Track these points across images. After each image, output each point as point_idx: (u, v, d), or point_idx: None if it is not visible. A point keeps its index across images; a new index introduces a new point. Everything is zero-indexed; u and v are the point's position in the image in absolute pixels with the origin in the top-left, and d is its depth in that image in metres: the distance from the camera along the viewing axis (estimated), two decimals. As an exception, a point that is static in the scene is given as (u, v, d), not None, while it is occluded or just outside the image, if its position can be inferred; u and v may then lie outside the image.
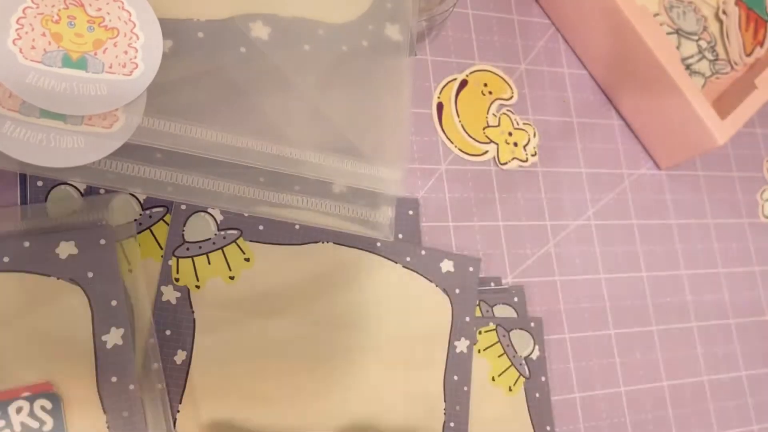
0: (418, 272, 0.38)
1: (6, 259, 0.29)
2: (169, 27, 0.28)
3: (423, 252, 0.38)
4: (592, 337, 0.43)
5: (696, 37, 0.49)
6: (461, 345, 0.38)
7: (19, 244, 0.29)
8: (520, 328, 0.40)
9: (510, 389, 0.39)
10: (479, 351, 0.39)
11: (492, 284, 0.41)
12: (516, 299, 0.41)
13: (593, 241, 0.45)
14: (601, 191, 0.47)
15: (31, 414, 0.28)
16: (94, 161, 0.26)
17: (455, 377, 0.37)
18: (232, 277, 0.34)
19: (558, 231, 0.44)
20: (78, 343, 0.30)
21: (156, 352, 0.31)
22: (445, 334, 0.38)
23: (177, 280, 0.33)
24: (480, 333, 0.39)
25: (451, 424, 0.36)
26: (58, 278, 0.30)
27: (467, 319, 0.38)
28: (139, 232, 0.33)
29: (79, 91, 0.26)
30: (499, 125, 0.44)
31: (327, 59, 0.32)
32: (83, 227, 0.30)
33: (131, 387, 0.30)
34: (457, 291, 0.38)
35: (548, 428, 0.39)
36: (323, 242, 0.36)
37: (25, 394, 0.29)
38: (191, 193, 0.30)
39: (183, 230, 0.34)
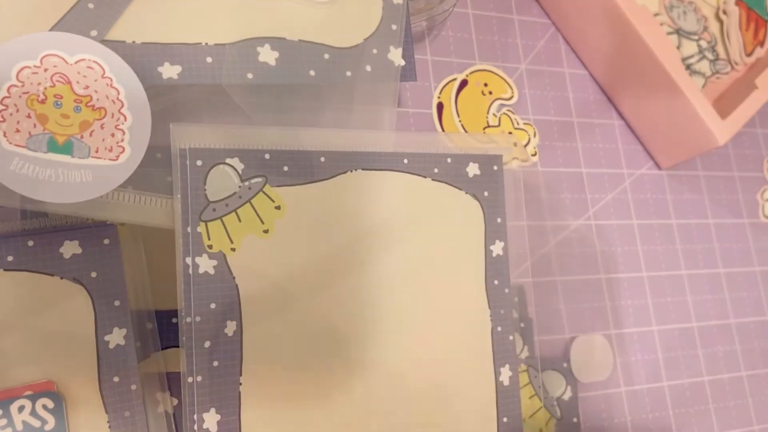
0: (446, 182, 0.36)
1: (10, 258, 0.29)
2: (179, 52, 0.28)
3: (449, 160, 0.35)
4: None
5: (696, 37, 0.49)
6: (497, 248, 0.36)
7: (23, 242, 0.29)
8: (553, 369, 0.40)
9: (541, 431, 0.38)
10: None
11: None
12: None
13: (593, 241, 0.45)
14: (601, 191, 0.47)
15: (33, 413, 0.28)
16: (102, 194, 0.26)
17: (495, 281, 0.36)
18: (266, 231, 0.31)
19: (558, 231, 0.44)
20: (80, 342, 0.30)
21: (156, 340, 0.31)
22: (480, 240, 0.36)
23: (210, 247, 0.29)
24: None
25: (498, 329, 0.35)
26: (61, 277, 0.30)
27: (498, 220, 0.37)
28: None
29: (64, 178, 0.25)
30: (499, 125, 0.44)
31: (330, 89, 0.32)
32: (87, 226, 0.30)
33: (133, 387, 0.30)
34: (486, 194, 0.36)
35: None
36: (351, 171, 0.33)
37: (27, 393, 0.29)
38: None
39: (205, 190, 0.30)
